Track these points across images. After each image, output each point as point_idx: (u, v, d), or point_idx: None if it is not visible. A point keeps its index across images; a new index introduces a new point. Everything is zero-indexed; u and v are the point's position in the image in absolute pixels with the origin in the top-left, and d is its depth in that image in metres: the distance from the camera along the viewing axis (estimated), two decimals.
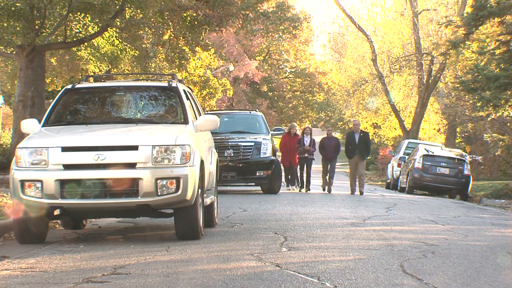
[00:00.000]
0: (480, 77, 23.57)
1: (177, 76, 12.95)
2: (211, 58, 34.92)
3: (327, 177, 23.47)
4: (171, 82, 11.44)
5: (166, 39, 24.00)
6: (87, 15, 19.17)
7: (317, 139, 24.08)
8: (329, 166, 23.51)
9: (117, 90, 11.79)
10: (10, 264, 8.08)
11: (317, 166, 26.14)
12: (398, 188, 31.33)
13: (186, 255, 8.65)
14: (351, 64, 60.60)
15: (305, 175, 23.98)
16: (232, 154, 21.51)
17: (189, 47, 24.82)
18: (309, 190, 23.51)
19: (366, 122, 56.36)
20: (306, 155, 23.47)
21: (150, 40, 25.31)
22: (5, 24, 18.52)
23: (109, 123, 10.90)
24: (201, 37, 23.59)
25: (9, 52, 20.07)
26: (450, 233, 12.05)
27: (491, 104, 23.94)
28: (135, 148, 9.62)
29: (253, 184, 23.07)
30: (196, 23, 22.38)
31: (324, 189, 23.58)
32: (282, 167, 23.53)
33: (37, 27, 18.40)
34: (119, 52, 23.55)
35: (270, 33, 55.38)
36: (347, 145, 23.14)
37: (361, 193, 22.59)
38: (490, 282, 7.25)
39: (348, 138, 23.32)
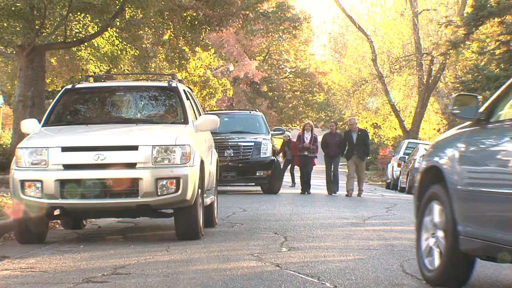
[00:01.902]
0: (480, 77, 23.59)
1: (177, 76, 12.96)
2: (211, 58, 34.93)
3: (331, 177, 22.18)
4: (171, 82, 11.45)
5: (166, 39, 24.00)
6: (87, 15, 19.19)
7: (319, 139, 23.87)
8: (332, 164, 22.18)
9: (117, 90, 11.80)
10: (10, 264, 8.08)
11: (320, 166, 25.97)
12: (398, 188, 31.33)
13: (186, 255, 8.65)
14: (351, 64, 60.62)
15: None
16: (232, 154, 21.51)
17: (189, 47, 24.83)
18: (309, 192, 22.31)
19: (366, 122, 56.37)
20: (306, 153, 22.23)
21: (150, 40, 25.31)
22: (5, 24, 18.53)
23: (109, 123, 10.91)
24: (201, 37, 23.61)
25: (9, 52, 20.08)
26: None
27: None
28: (135, 148, 9.63)
29: (253, 184, 23.07)
30: (196, 23, 22.39)
31: (329, 191, 22.28)
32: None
33: (37, 27, 18.40)
34: (119, 52, 23.56)
35: (270, 33, 55.37)
36: (343, 145, 21.93)
37: (359, 195, 21.52)
38: (490, 282, 7.24)
39: (344, 137, 22.01)
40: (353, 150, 21.58)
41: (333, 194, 22.07)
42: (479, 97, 6.91)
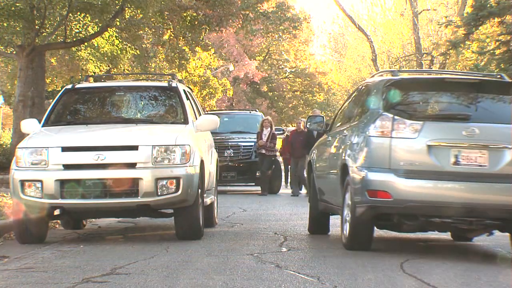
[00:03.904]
0: None
1: (177, 76, 12.96)
2: (211, 58, 34.92)
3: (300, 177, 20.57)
4: (171, 82, 11.44)
5: (166, 39, 24.00)
6: (87, 15, 19.18)
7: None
8: (298, 166, 20.76)
9: (117, 90, 11.80)
10: (10, 264, 8.08)
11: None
12: None
13: (186, 255, 8.65)
14: (351, 64, 60.64)
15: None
16: (232, 154, 21.51)
17: (189, 47, 24.84)
18: (266, 194, 21.00)
19: None
20: (263, 151, 20.88)
21: (150, 40, 25.31)
22: (5, 24, 18.52)
23: (109, 123, 10.91)
24: (201, 37, 23.62)
25: (9, 52, 20.07)
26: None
27: None
28: (135, 148, 9.62)
29: (253, 184, 23.05)
30: (196, 23, 22.39)
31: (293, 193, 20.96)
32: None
33: (37, 27, 18.39)
34: (119, 52, 23.55)
35: (270, 33, 55.29)
36: (306, 141, 19.58)
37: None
38: (490, 282, 7.25)
39: (307, 133, 20.23)
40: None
41: (295, 195, 20.87)
42: (324, 116, 11.86)
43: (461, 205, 8.38)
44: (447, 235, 11.61)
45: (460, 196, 8.40)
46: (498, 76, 9.60)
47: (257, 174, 21.50)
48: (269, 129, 21.14)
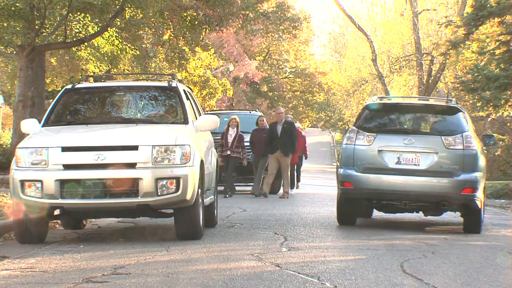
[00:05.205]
0: (480, 77, 23.53)
1: (177, 76, 12.95)
2: (211, 58, 34.92)
3: (266, 177, 19.65)
4: (171, 82, 11.44)
5: (166, 39, 23.99)
6: (87, 15, 19.17)
7: (317, 139, 23.57)
8: (259, 165, 19.78)
9: (117, 90, 11.79)
10: (10, 264, 8.08)
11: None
12: None
13: (186, 255, 8.66)
14: (351, 64, 60.66)
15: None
16: None
17: (189, 47, 24.82)
18: (228, 195, 19.52)
19: None
20: (228, 152, 19.65)
21: (150, 40, 25.30)
22: (5, 24, 18.52)
23: (109, 123, 10.90)
24: (201, 37, 23.58)
25: (9, 52, 20.06)
26: (450, 233, 12.06)
27: (491, 104, 23.89)
28: (135, 148, 9.62)
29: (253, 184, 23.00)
30: (196, 23, 22.36)
31: (253, 193, 19.82)
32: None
33: (37, 27, 18.39)
34: (119, 52, 23.54)
35: (270, 33, 55.35)
36: (269, 138, 19.27)
37: (283, 196, 19.37)
38: (490, 282, 7.25)
39: (269, 130, 19.56)
40: (276, 144, 19.12)
41: (256, 195, 19.74)
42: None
43: (400, 192, 11.78)
44: (446, 235, 11.61)
45: (400, 185, 11.76)
46: (448, 101, 12.64)
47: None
48: (235, 129, 19.86)
